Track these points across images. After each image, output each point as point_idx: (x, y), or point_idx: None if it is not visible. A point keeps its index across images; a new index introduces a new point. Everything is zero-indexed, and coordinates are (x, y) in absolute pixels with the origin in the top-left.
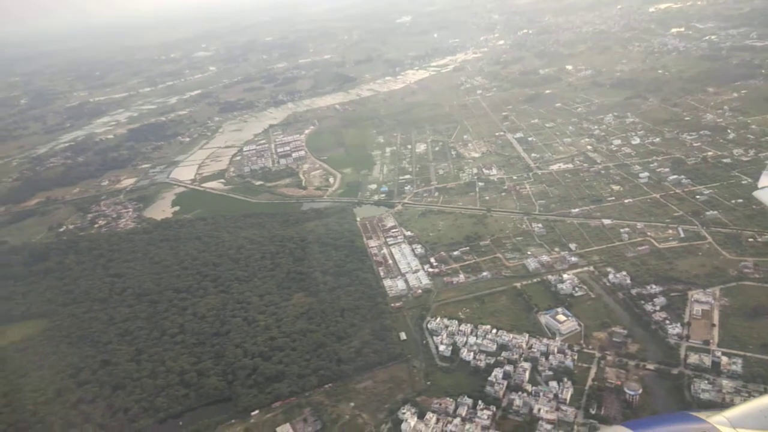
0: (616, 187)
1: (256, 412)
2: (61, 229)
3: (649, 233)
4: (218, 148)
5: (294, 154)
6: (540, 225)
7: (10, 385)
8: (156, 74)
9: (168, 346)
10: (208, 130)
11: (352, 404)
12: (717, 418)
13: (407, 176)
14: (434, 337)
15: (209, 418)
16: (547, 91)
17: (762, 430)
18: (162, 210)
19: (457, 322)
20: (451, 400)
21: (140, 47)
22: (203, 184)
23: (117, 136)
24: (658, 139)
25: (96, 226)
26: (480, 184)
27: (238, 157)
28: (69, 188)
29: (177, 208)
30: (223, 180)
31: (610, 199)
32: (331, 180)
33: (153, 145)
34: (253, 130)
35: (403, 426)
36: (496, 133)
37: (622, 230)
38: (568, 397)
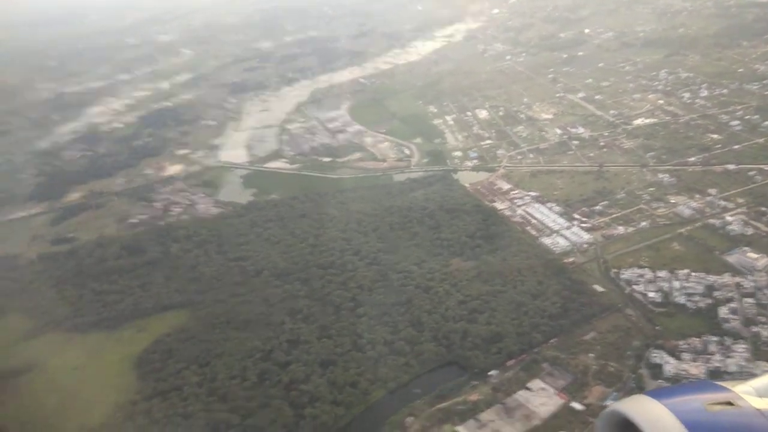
0: (714, 136)
1: (493, 372)
2: (133, 221)
3: None
4: (255, 129)
5: (350, 129)
6: (667, 175)
7: (199, 374)
8: (123, 61)
9: (352, 319)
10: (231, 112)
11: (591, 355)
12: (742, 387)
13: (488, 141)
14: (634, 286)
15: (444, 383)
16: (580, 53)
17: None
18: (238, 193)
19: (649, 269)
20: (698, 339)
21: (84, 35)
22: (266, 165)
23: (128, 125)
24: (725, 91)
25: (172, 214)
26: (575, 142)
27: (285, 137)
28: (109, 180)
29: (254, 189)
30: (285, 159)
31: (716, 147)
32: (407, 151)
33: (178, 130)
34: (283, 109)
35: (666, 368)
36: (556, 95)
37: (749, 173)
38: None
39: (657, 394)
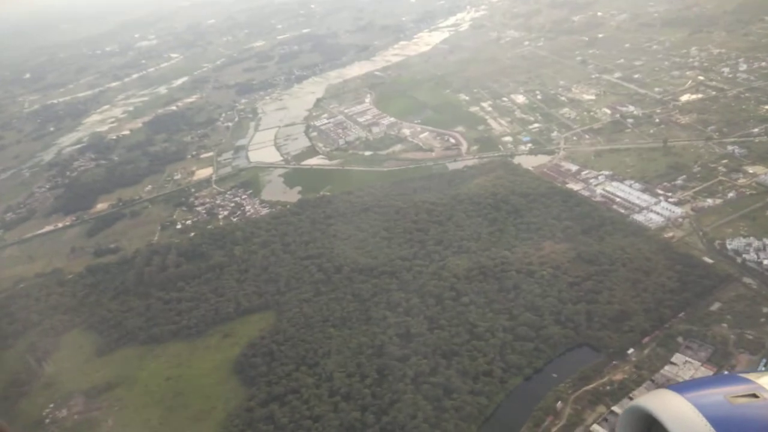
0: None
1: (631, 350)
2: (178, 227)
3: None
4: (278, 128)
5: (383, 121)
6: (736, 147)
7: (312, 375)
8: (108, 68)
9: (459, 309)
10: (246, 113)
11: (724, 325)
12: (766, 379)
13: (536, 125)
14: (744, 255)
15: (581, 366)
16: (600, 35)
17: None
18: (283, 192)
19: (754, 238)
20: None
21: (58, 45)
22: (303, 162)
23: (135, 131)
24: (764, 63)
25: (221, 216)
26: (629, 120)
27: (314, 133)
28: (136, 187)
29: (299, 187)
30: (322, 155)
31: None
32: (452, 140)
33: (194, 133)
34: (302, 106)
35: None
36: (591, 76)
37: None
38: None
39: (679, 388)
